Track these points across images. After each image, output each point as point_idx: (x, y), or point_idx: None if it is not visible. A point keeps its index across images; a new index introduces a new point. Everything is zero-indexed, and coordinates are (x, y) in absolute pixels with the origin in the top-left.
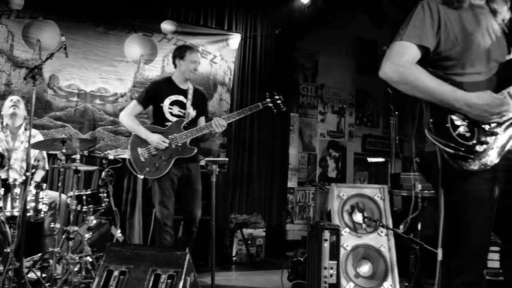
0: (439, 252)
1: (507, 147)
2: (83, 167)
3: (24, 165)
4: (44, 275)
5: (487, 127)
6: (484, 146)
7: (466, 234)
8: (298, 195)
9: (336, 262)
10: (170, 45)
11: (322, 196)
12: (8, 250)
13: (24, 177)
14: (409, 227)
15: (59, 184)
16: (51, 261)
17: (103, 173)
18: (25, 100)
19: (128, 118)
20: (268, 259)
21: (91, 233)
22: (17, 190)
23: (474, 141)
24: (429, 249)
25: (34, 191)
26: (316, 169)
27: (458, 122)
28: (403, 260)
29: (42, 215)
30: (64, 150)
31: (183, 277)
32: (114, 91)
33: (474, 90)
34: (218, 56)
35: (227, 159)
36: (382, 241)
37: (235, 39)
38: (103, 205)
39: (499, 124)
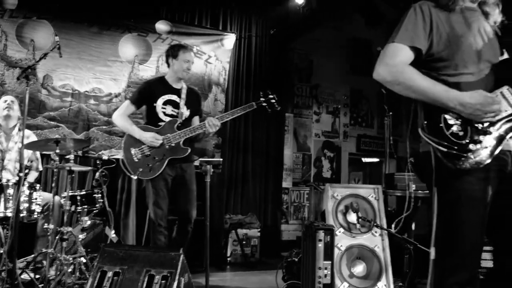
0: (432, 251)
1: (500, 147)
2: (77, 168)
3: (18, 165)
4: (37, 276)
5: (480, 126)
6: (477, 145)
7: (459, 233)
8: (293, 195)
9: (330, 262)
10: (165, 45)
11: (316, 196)
12: (1, 251)
13: (17, 178)
14: (403, 227)
15: (53, 185)
16: (44, 262)
17: (97, 174)
18: (19, 100)
19: (121, 118)
20: (263, 259)
21: (85, 233)
22: (10, 191)
23: (467, 140)
24: (423, 249)
25: (27, 192)
26: (311, 169)
27: (451, 121)
28: (397, 260)
29: (35, 216)
30: (58, 151)
31: (177, 277)
32: (108, 91)
33: (466, 90)
34: (213, 56)
35: (221, 159)
36: (376, 241)
37: (230, 39)
38: (97, 205)
39: (492, 124)
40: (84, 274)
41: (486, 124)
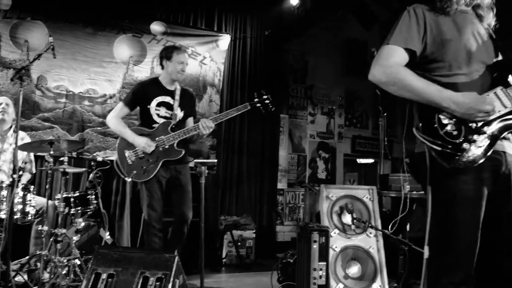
0: (425, 250)
1: (494, 146)
2: (71, 169)
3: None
4: (31, 278)
5: (473, 125)
6: (471, 144)
7: (454, 233)
8: (288, 197)
9: (325, 263)
10: (160, 46)
11: (311, 198)
12: None
13: (11, 179)
14: (398, 228)
15: (47, 186)
16: (38, 264)
17: (92, 175)
18: (13, 101)
19: (115, 120)
20: (258, 261)
21: (79, 235)
22: (4, 193)
23: (461, 139)
24: (417, 250)
25: (21, 194)
26: (306, 170)
27: (445, 121)
28: (392, 261)
29: (29, 218)
30: (52, 152)
31: (171, 279)
32: (103, 92)
33: (460, 90)
34: (208, 57)
35: (216, 160)
36: (371, 242)
37: (224, 40)
38: (91, 207)
39: (486, 123)
40: (78, 276)
41: (479, 124)
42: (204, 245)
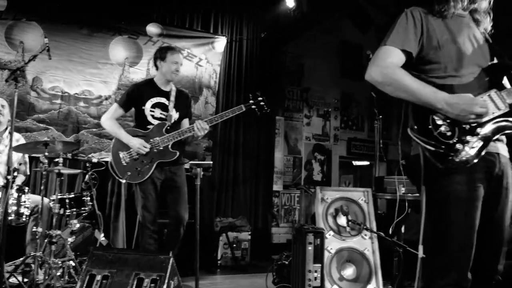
0: (420, 249)
1: (487, 147)
2: (66, 170)
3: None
4: (26, 280)
5: (467, 127)
6: (464, 145)
7: (447, 233)
8: (284, 198)
9: (320, 265)
10: (155, 48)
11: (307, 199)
12: None
13: (5, 181)
14: (393, 231)
15: (42, 188)
16: (33, 265)
17: (87, 176)
18: (8, 102)
19: (109, 122)
20: (254, 263)
21: (74, 237)
22: None
23: (455, 140)
24: (412, 252)
25: (16, 195)
26: (302, 172)
27: (439, 121)
28: (386, 263)
29: (24, 219)
30: (47, 153)
31: (166, 281)
32: (98, 94)
33: (455, 92)
34: (204, 59)
35: (211, 162)
36: (366, 244)
37: (220, 42)
38: (86, 208)
39: (480, 125)
40: (73, 277)
41: (473, 125)
42: (200, 246)
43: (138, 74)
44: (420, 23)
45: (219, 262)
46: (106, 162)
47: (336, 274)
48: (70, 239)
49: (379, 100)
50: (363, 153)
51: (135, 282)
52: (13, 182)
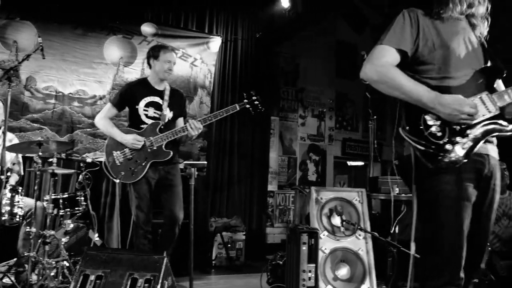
0: (412, 246)
1: (476, 148)
2: (60, 170)
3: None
4: (19, 280)
5: (457, 127)
6: (454, 145)
7: (438, 234)
8: (278, 199)
9: (314, 265)
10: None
11: (301, 200)
12: None
13: None
14: (387, 231)
15: (35, 188)
16: (26, 266)
17: (81, 176)
18: (2, 101)
19: (103, 121)
20: (248, 263)
21: (68, 237)
22: None
23: (445, 140)
24: (406, 252)
25: (9, 195)
26: (296, 172)
27: (430, 122)
28: (381, 263)
29: (17, 219)
30: (40, 153)
31: (160, 281)
32: (92, 93)
33: (447, 93)
34: (199, 59)
35: (205, 162)
36: (360, 244)
37: (215, 42)
38: (80, 208)
39: (470, 126)
40: (67, 278)
41: (463, 127)
42: (194, 247)
43: (132, 74)
44: (416, 24)
45: (213, 262)
46: (100, 162)
47: (330, 274)
48: (64, 239)
49: (374, 101)
50: (357, 154)
51: (129, 282)
52: (6, 182)
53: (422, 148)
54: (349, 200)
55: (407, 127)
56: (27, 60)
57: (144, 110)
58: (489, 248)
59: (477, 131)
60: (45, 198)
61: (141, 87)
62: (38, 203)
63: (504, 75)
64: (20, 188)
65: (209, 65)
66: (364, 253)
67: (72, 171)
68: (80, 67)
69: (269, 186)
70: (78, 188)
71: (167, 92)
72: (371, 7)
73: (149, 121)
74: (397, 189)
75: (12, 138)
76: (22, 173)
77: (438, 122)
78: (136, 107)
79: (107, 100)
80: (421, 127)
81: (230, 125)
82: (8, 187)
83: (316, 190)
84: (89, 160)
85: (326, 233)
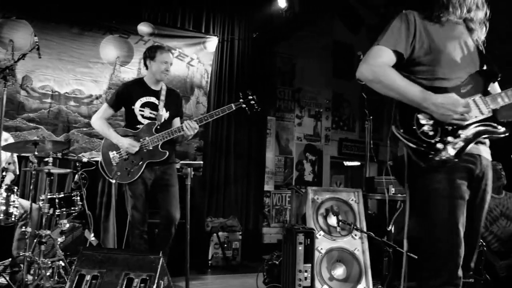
0: (405, 243)
1: (467, 149)
2: (56, 170)
3: None
4: (14, 280)
5: (449, 128)
6: (445, 145)
7: (432, 232)
8: (275, 199)
9: (310, 265)
10: (147, 47)
11: (298, 200)
12: None
13: None
14: (383, 230)
15: (31, 187)
16: (22, 265)
17: (77, 176)
18: None
19: (99, 122)
20: (245, 263)
21: (64, 237)
22: None
23: (437, 139)
24: (403, 252)
25: (4, 195)
26: (293, 172)
27: (423, 121)
28: (376, 262)
29: (13, 219)
30: (36, 153)
31: (156, 281)
32: (89, 93)
33: (440, 93)
34: (195, 59)
35: (201, 162)
36: (356, 244)
37: (212, 42)
38: (76, 208)
39: (462, 127)
40: (62, 278)
41: (455, 127)
42: (190, 247)
43: (129, 73)
44: (413, 26)
45: (210, 262)
46: (97, 161)
47: (326, 274)
48: (60, 239)
49: (370, 101)
50: (354, 154)
51: (124, 282)
52: (2, 181)
53: (414, 146)
54: (345, 200)
55: (400, 126)
56: (23, 59)
57: (140, 110)
58: (485, 248)
59: (469, 132)
60: (41, 198)
61: (137, 87)
62: (34, 205)
63: (499, 79)
64: (16, 187)
65: (205, 65)
66: (360, 253)
67: (68, 170)
68: (77, 67)
69: (265, 186)
70: (74, 187)
71: (163, 92)
72: (367, 7)
73: (145, 121)
74: (393, 189)
75: (7, 138)
76: (18, 173)
77: (431, 122)
78: (132, 107)
79: (103, 99)
80: (413, 126)
81: (226, 125)
82: (4, 187)
83: (312, 190)
84: (85, 159)
85: (322, 233)
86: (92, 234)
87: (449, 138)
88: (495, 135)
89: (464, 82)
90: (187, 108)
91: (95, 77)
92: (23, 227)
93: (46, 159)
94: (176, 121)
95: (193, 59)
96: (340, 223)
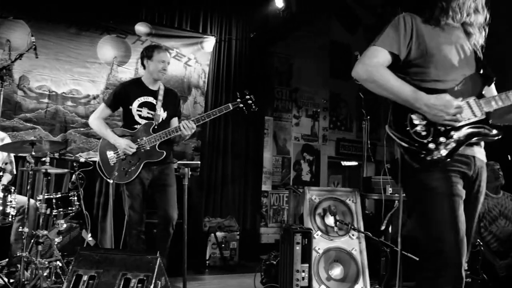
0: (399, 242)
1: (460, 150)
2: (53, 170)
3: None
4: (12, 280)
5: (442, 128)
6: (437, 145)
7: (431, 231)
8: (272, 199)
9: (308, 265)
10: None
11: (295, 200)
12: None
13: None
14: (380, 230)
15: (28, 187)
16: (19, 266)
17: (74, 176)
18: None
19: (97, 122)
20: (242, 263)
21: (61, 237)
22: None
23: (429, 139)
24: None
25: (1, 195)
26: (290, 172)
27: (416, 121)
28: (374, 262)
29: (10, 219)
30: (33, 153)
31: (153, 281)
32: (86, 93)
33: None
34: (193, 59)
35: (199, 162)
36: (353, 244)
37: (209, 42)
38: (73, 208)
39: (455, 129)
40: (60, 278)
41: (448, 128)
42: (188, 247)
43: (126, 73)
44: (410, 28)
45: (207, 262)
46: (94, 161)
47: (323, 274)
48: (57, 239)
49: (367, 101)
50: (351, 154)
51: (122, 282)
52: None
53: (406, 145)
54: (342, 200)
55: (393, 125)
56: (20, 59)
57: (138, 110)
58: (482, 248)
59: (461, 133)
60: (38, 198)
61: (135, 87)
62: (31, 201)
63: (493, 82)
64: (13, 188)
65: (203, 65)
66: (358, 253)
67: (65, 170)
68: (74, 67)
69: (263, 186)
70: (71, 188)
71: (161, 92)
72: (364, 8)
73: (143, 121)
74: (390, 189)
75: (4, 137)
76: (15, 172)
77: (424, 122)
78: (130, 107)
79: (100, 99)
80: (407, 126)
81: (224, 125)
82: (1, 187)
83: (309, 190)
84: (82, 159)
85: (319, 233)
86: (90, 234)
87: (441, 139)
88: (488, 137)
89: (459, 84)
90: (185, 108)
91: (92, 77)
92: (20, 227)
93: (43, 159)
94: (174, 121)
95: (191, 59)
96: (338, 223)
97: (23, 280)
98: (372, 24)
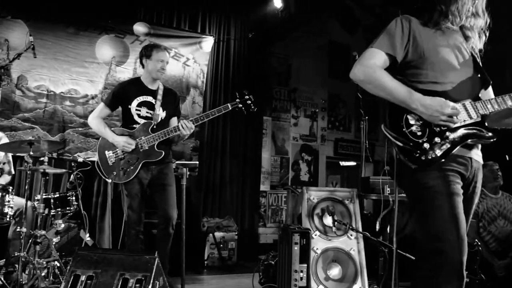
0: (394, 241)
1: (454, 151)
2: (51, 170)
3: None
4: (9, 280)
5: (437, 129)
6: (432, 145)
7: (426, 230)
8: (271, 199)
9: (306, 265)
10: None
11: (293, 200)
12: None
13: None
14: (379, 230)
15: (26, 187)
16: (17, 266)
17: (72, 176)
18: None
19: (96, 121)
20: (241, 263)
21: (59, 237)
22: None
23: (424, 139)
24: (399, 252)
25: None
26: (289, 172)
27: (412, 121)
28: (372, 262)
29: (7, 219)
30: (31, 153)
31: (151, 281)
32: (84, 93)
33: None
34: (191, 59)
35: (197, 162)
36: (351, 244)
37: (208, 42)
38: (71, 208)
39: (450, 130)
40: (58, 278)
41: (443, 129)
42: (186, 247)
43: (125, 73)
44: (408, 31)
45: (205, 262)
46: (92, 161)
47: (322, 274)
48: (55, 239)
49: (366, 101)
50: (350, 154)
51: (120, 283)
52: None
53: (400, 144)
54: (341, 200)
55: (388, 123)
56: (18, 59)
57: (137, 109)
58: (480, 248)
59: (456, 134)
60: (36, 198)
61: (134, 87)
62: (29, 202)
63: (490, 85)
64: (11, 187)
65: (201, 65)
66: (356, 253)
67: (64, 170)
68: (72, 66)
69: (261, 186)
70: (70, 187)
71: (160, 92)
72: (362, 8)
73: (142, 121)
74: (388, 189)
75: (1, 137)
76: (13, 172)
77: (419, 123)
78: (129, 106)
79: (99, 99)
80: (402, 126)
81: (222, 125)
82: None
83: (308, 190)
84: (80, 159)
85: (318, 233)
86: (88, 235)
87: (436, 139)
88: (483, 139)
89: (455, 86)
90: (183, 108)
91: (90, 77)
92: (18, 227)
93: (42, 159)
94: (174, 121)
95: (189, 59)
96: (336, 223)
97: (21, 280)
98: (371, 25)
